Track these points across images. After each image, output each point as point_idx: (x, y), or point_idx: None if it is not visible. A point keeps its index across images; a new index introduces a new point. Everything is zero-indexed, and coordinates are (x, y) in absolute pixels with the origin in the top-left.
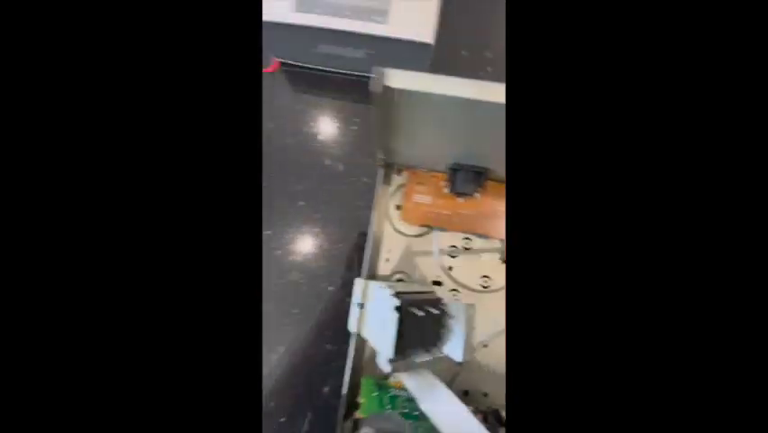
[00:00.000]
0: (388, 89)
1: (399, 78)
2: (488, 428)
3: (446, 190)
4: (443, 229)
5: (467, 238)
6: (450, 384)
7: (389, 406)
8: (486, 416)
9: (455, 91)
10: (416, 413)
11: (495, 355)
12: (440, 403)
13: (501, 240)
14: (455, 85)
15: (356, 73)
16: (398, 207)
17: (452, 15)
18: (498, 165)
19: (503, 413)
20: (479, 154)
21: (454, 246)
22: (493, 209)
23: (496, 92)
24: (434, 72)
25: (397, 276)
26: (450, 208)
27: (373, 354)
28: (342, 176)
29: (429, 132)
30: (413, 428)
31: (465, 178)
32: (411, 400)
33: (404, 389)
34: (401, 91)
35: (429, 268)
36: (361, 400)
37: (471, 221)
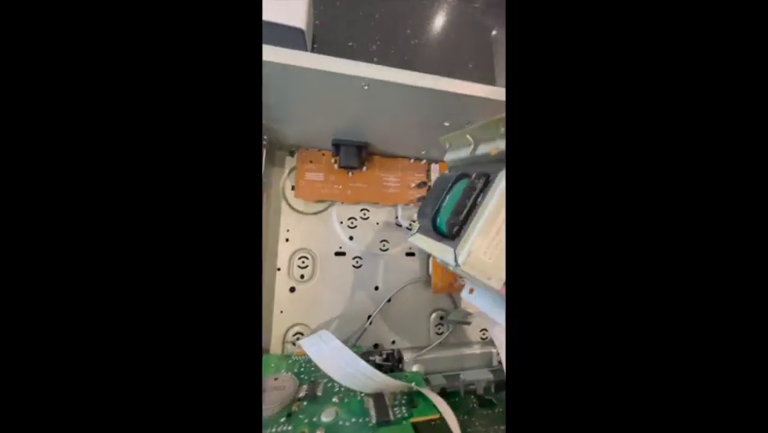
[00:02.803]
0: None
1: (272, 54)
2: (391, 363)
3: (337, 166)
4: (340, 203)
5: (364, 209)
6: (361, 340)
7: (284, 370)
8: (388, 355)
9: (323, 66)
10: (313, 368)
11: (397, 309)
12: (332, 355)
13: (393, 205)
14: (323, 61)
15: None
16: (293, 187)
17: (343, 11)
18: (375, 140)
19: (403, 354)
20: (356, 130)
21: (353, 218)
22: (380, 180)
23: (362, 69)
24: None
25: (300, 254)
26: (342, 183)
27: (280, 336)
28: None
29: (305, 110)
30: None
31: (348, 152)
32: (309, 360)
33: (304, 355)
34: (272, 65)
35: (331, 242)
36: None
37: (364, 192)
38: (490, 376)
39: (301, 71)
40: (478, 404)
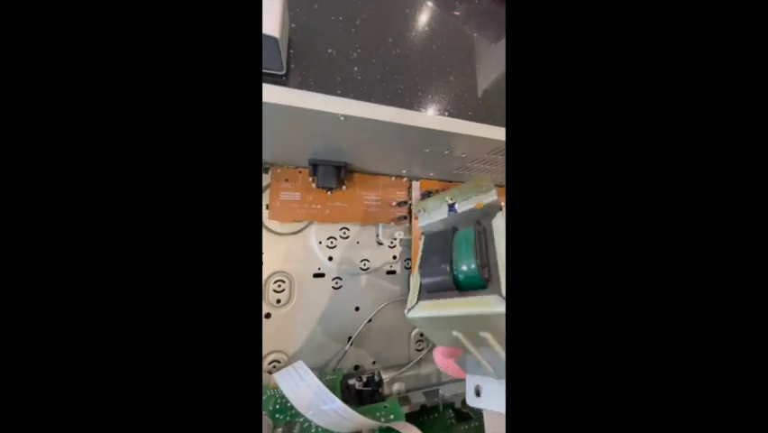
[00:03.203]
0: None
1: None
2: (371, 389)
3: (314, 185)
4: (318, 223)
5: (344, 228)
6: (341, 363)
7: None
8: (368, 380)
9: (294, 103)
10: (288, 405)
11: (378, 328)
12: (305, 391)
13: (374, 224)
14: (295, 97)
15: None
16: (268, 207)
17: (319, 14)
18: (355, 159)
19: (387, 374)
20: (334, 151)
21: (332, 237)
22: (361, 199)
23: (332, 105)
24: (297, 68)
25: (276, 277)
26: (320, 202)
27: None
28: None
29: (275, 133)
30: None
31: (326, 172)
32: (284, 396)
33: (278, 389)
34: None
35: (309, 263)
36: None
37: (343, 212)
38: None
39: (272, 106)
40: (456, 419)
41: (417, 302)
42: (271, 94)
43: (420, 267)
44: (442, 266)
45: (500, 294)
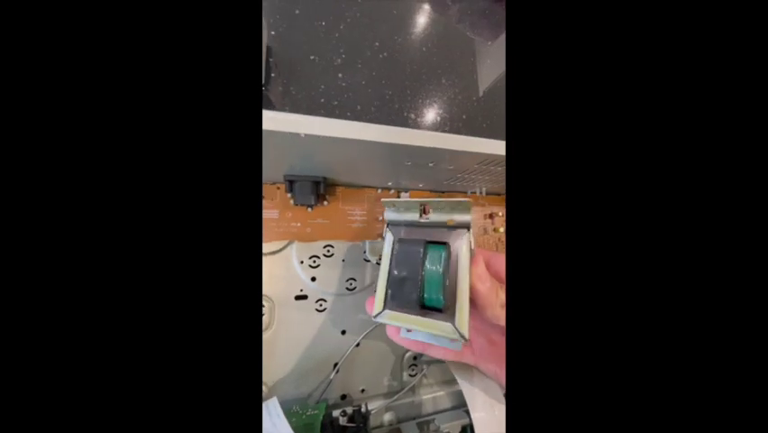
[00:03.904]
0: None
1: None
2: (356, 425)
3: (293, 202)
4: (299, 242)
5: (328, 246)
6: (326, 393)
7: None
8: (354, 413)
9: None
10: None
11: (367, 352)
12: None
13: (359, 242)
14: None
15: None
16: None
17: (301, 20)
18: (334, 173)
19: (376, 402)
20: (311, 166)
21: (315, 256)
22: (345, 214)
23: (305, 126)
24: (277, 77)
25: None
26: (300, 219)
27: None
28: None
29: None
30: None
31: (303, 189)
32: None
33: None
34: None
35: (290, 284)
36: None
37: (326, 229)
38: (466, 419)
39: None
40: None
41: (384, 310)
42: None
43: (391, 282)
44: (412, 295)
45: (453, 324)
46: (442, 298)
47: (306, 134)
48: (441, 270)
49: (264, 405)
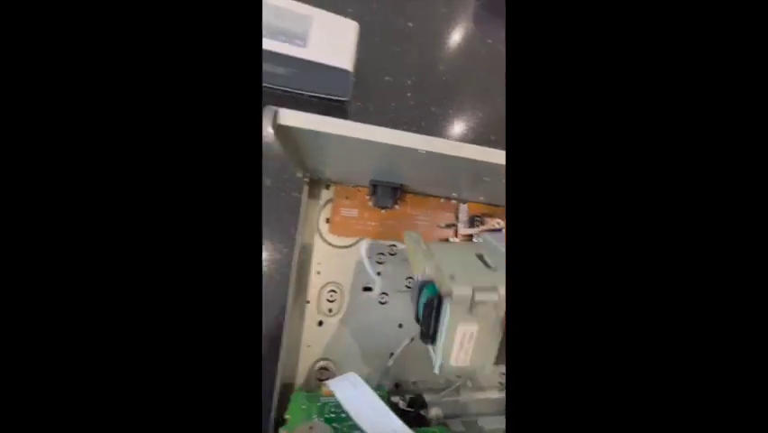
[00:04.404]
0: (280, 127)
1: (290, 118)
2: (414, 411)
3: (371, 203)
4: (370, 239)
5: (392, 245)
6: (383, 378)
7: (316, 415)
8: (411, 401)
9: (343, 131)
10: (343, 415)
11: (419, 348)
12: (362, 403)
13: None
14: (341, 127)
15: (280, 88)
16: (328, 221)
17: (378, 43)
18: (410, 181)
19: (426, 396)
20: (393, 174)
21: (382, 253)
22: (411, 218)
23: (382, 135)
24: (358, 94)
25: (329, 288)
26: (375, 219)
27: (306, 369)
28: (269, 190)
29: (338, 156)
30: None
31: (383, 193)
32: (339, 405)
33: (333, 396)
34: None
35: (359, 277)
36: (287, 415)
37: (395, 230)
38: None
39: (329, 136)
40: None
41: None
42: (346, 128)
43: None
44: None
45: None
46: (422, 333)
47: (426, 151)
48: (422, 310)
49: (345, 377)
